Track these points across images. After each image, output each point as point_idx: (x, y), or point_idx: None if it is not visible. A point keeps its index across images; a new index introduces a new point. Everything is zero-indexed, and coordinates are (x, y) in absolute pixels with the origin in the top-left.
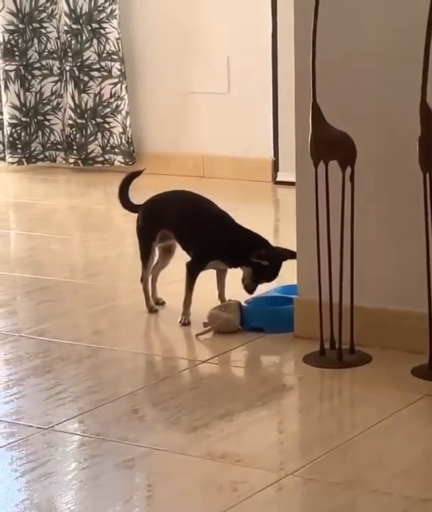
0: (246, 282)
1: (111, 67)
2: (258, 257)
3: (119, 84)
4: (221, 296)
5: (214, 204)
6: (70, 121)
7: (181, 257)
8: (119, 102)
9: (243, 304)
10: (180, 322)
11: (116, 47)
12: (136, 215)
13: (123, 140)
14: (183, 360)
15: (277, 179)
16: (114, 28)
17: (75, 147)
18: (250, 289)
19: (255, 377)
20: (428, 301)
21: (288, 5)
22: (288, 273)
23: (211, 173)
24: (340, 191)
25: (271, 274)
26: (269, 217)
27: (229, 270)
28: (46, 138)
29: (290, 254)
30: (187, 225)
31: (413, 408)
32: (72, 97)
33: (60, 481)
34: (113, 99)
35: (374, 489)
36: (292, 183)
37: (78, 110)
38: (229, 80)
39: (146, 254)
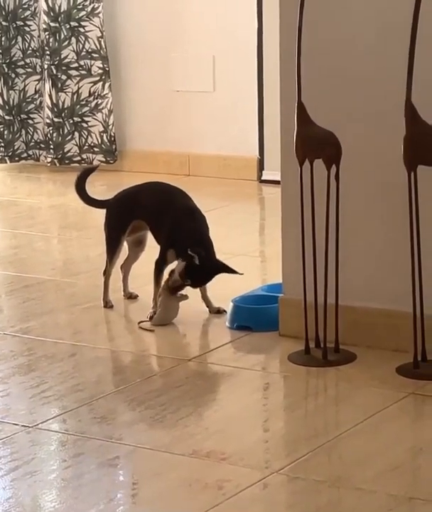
0: (173, 277)
1: (91, 66)
2: (195, 253)
3: (101, 83)
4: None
5: (189, 198)
6: (48, 120)
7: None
8: (100, 101)
9: (231, 302)
10: (148, 316)
11: (98, 45)
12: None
13: (104, 139)
14: (168, 358)
15: (262, 178)
16: (95, 26)
17: (52, 146)
18: (172, 284)
19: (240, 375)
20: (413, 299)
21: (273, 3)
22: (274, 271)
23: (197, 171)
24: (325, 190)
25: (200, 277)
26: (255, 215)
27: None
28: (30, 136)
29: (225, 268)
30: (159, 216)
31: (398, 406)
32: (50, 96)
33: (44, 480)
34: (92, 97)
35: (359, 487)
36: (277, 182)
37: (55, 109)
38: (215, 79)
39: (113, 248)
